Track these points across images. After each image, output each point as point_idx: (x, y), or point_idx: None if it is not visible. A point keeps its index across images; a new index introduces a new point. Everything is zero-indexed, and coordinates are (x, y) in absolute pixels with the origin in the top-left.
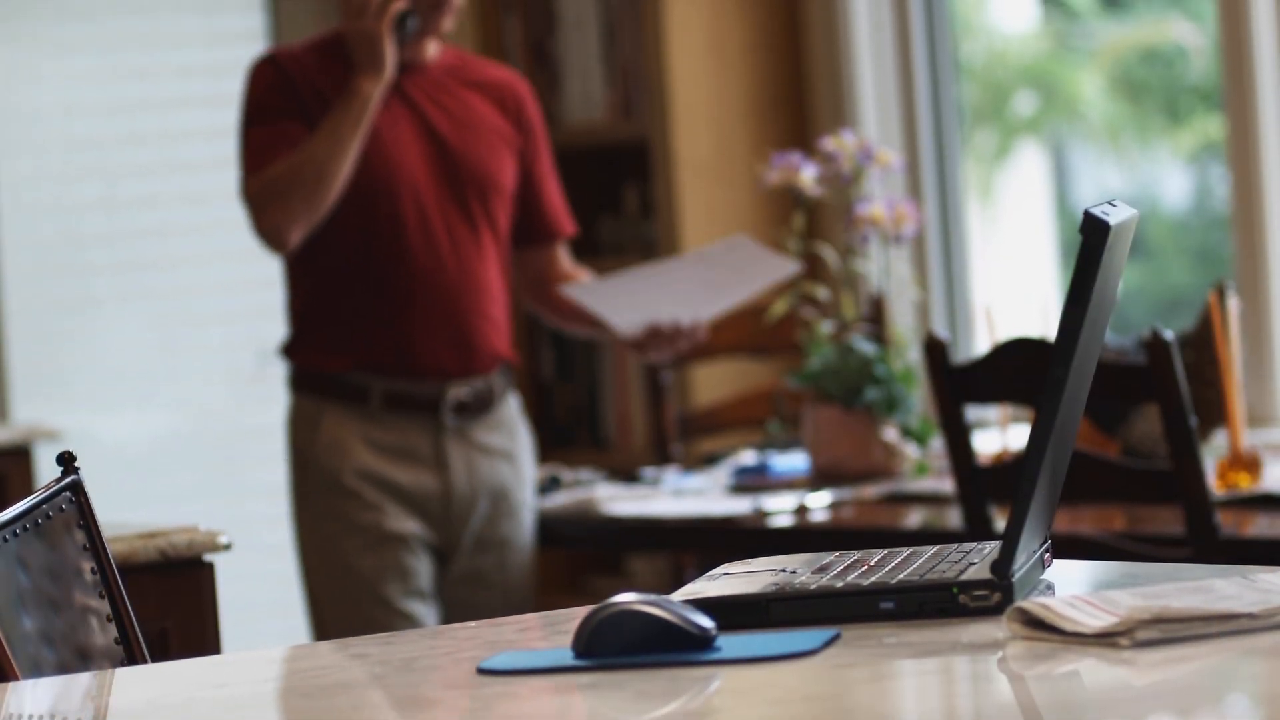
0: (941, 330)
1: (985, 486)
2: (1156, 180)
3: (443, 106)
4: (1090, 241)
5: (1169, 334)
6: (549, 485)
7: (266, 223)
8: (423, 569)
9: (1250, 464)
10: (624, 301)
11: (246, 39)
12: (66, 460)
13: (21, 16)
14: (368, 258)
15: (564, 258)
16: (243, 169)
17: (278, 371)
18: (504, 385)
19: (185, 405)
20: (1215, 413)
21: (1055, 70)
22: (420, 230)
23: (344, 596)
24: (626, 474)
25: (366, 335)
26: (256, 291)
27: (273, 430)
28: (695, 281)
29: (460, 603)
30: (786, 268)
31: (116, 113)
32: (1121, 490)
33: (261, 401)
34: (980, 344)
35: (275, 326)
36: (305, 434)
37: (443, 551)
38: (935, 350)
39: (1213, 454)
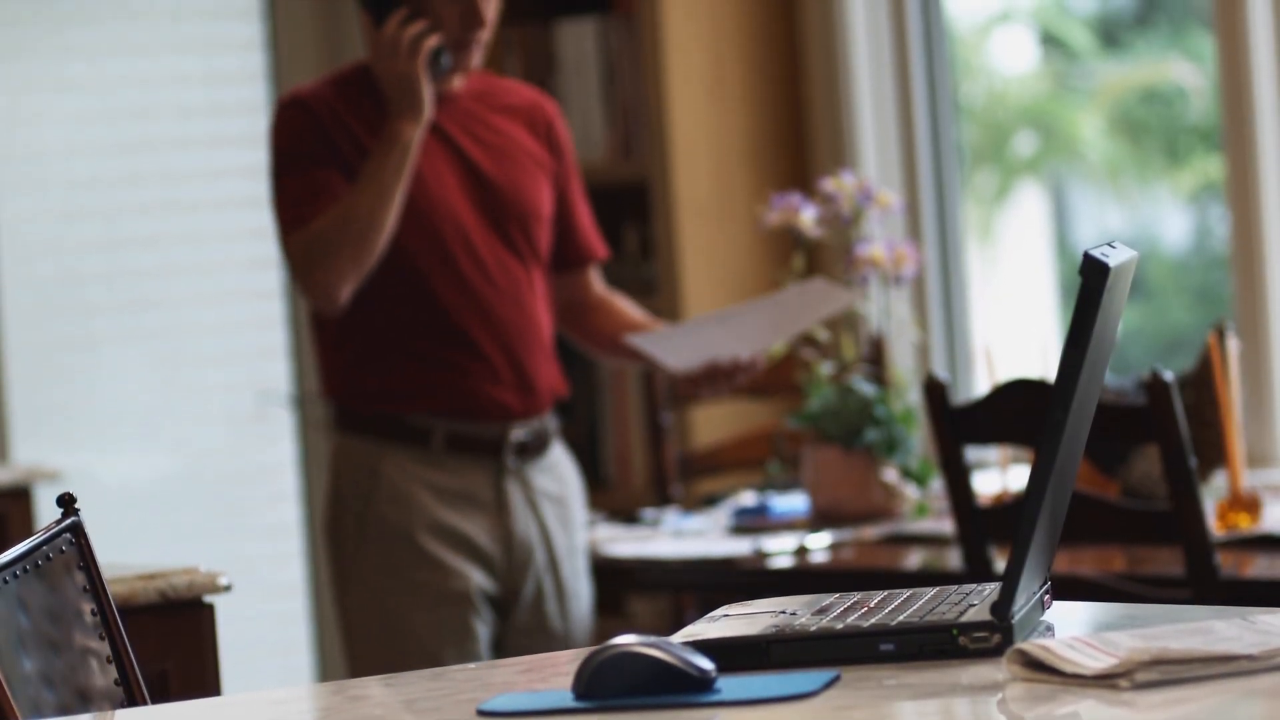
0: (941, 371)
1: (985, 527)
2: (1156, 220)
3: (476, 136)
4: (1090, 283)
5: (1169, 375)
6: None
7: (314, 281)
8: (483, 630)
9: (1250, 505)
10: (685, 345)
11: (246, 79)
12: (66, 502)
13: (23, 56)
14: (422, 300)
15: (597, 281)
16: (280, 224)
17: (278, 412)
18: (555, 426)
19: (185, 445)
20: (1215, 453)
21: (1055, 111)
22: (471, 266)
23: (394, 660)
24: (626, 515)
25: (426, 376)
26: (257, 332)
27: (273, 471)
28: (759, 320)
29: (524, 655)
30: (845, 298)
31: (117, 152)
32: (1121, 531)
33: (262, 442)
34: (980, 385)
35: (276, 367)
36: (359, 479)
37: (504, 603)
38: (935, 391)
39: (1212, 495)
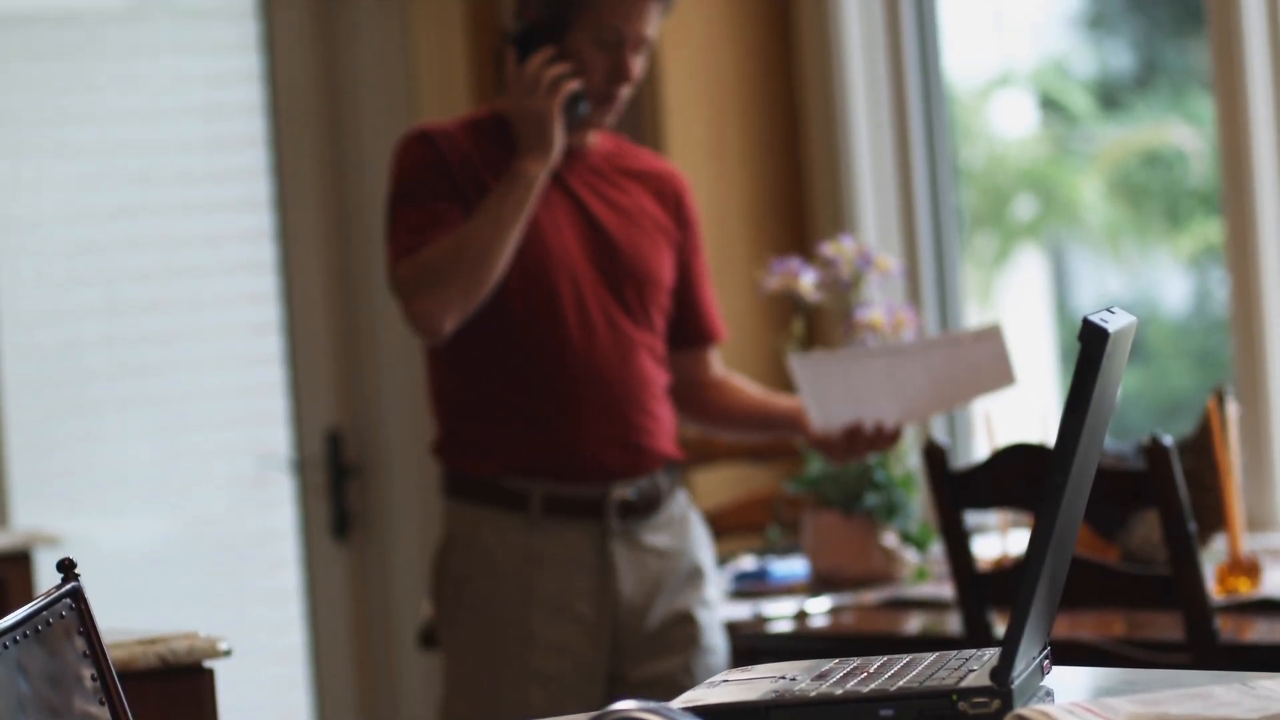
0: (941, 436)
1: (985, 592)
2: (1156, 284)
3: (602, 195)
4: (1089, 349)
5: (1168, 439)
6: None
7: (419, 308)
8: (575, 704)
9: (1250, 569)
10: (838, 386)
11: (246, 145)
12: (66, 567)
13: (23, 122)
14: (524, 350)
15: (716, 361)
16: (391, 250)
17: (278, 477)
18: (671, 482)
19: (186, 510)
20: (1215, 517)
21: (1054, 174)
22: (580, 322)
23: None
24: None
25: (524, 434)
26: (257, 397)
27: (273, 535)
28: (923, 373)
29: None
30: (1010, 381)
31: (117, 218)
32: (1121, 595)
33: (262, 507)
34: (980, 450)
35: (276, 432)
36: (459, 546)
37: (613, 667)
38: (934, 456)
39: (1212, 559)
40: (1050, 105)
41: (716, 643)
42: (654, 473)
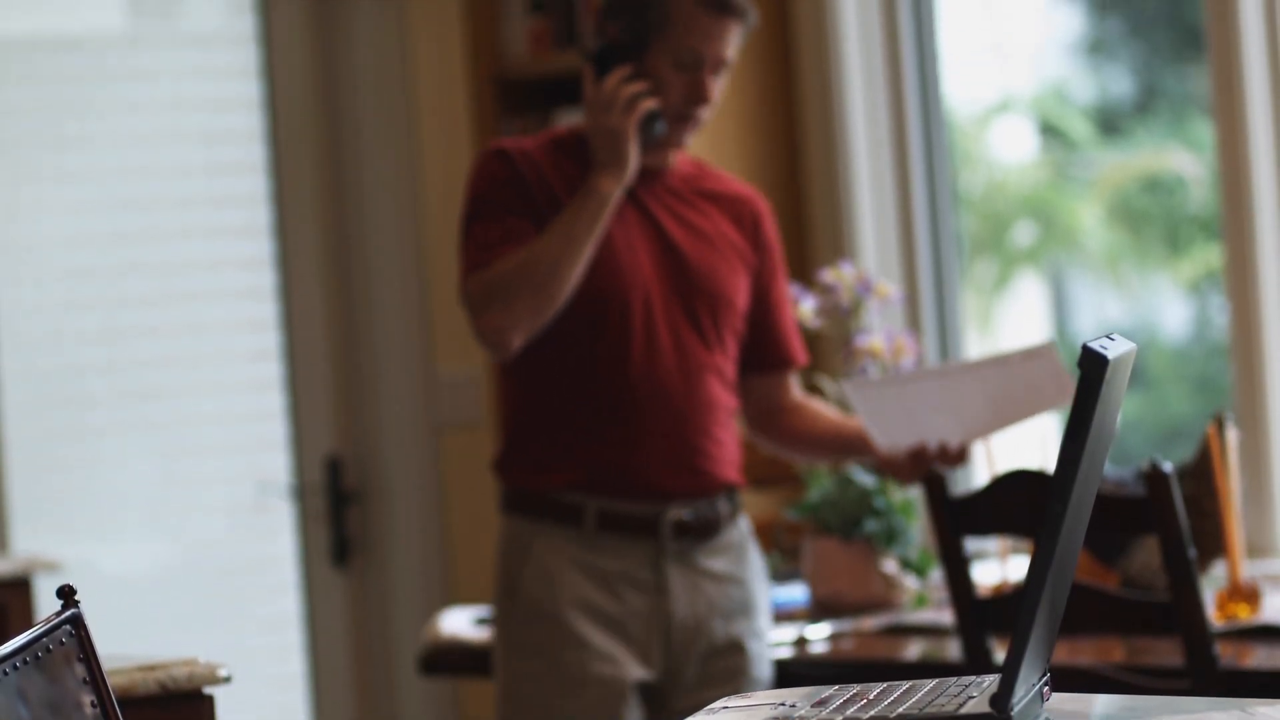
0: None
1: (985, 619)
2: (1156, 310)
3: (678, 216)
4: (1088, 376)
5: (1168, 466)
6: None
7: (488, 324)
8: (631, 716)
9: (1249, 595)
10: (896, 408)
11: (247, 170)
12: (67, 594)
13: (22, 147)
14: (589, 368)
15: (795, 386)
16: (463, 265)
17: (278, 503)
18: (731, 507)
19: (185, 536)
20: (1214, 544)
21: (1054, 200)
22: (646, 342)
23: None
24: None
25: (583, 451)
26: (257, 423)
27: (273, 561)
28: (979, 393)
29: None
30: (1067, 391)
31: (117, 243)
32: (1121, 622)
33: (262, 533)
34: (979, 476)
35: (276, 458)
36: (514, 559)
37: (661, 689)
38: (934, 482)
39: (1212, 585)
40: (1050, 131)
41: (764, 674)
42: (713, 497)
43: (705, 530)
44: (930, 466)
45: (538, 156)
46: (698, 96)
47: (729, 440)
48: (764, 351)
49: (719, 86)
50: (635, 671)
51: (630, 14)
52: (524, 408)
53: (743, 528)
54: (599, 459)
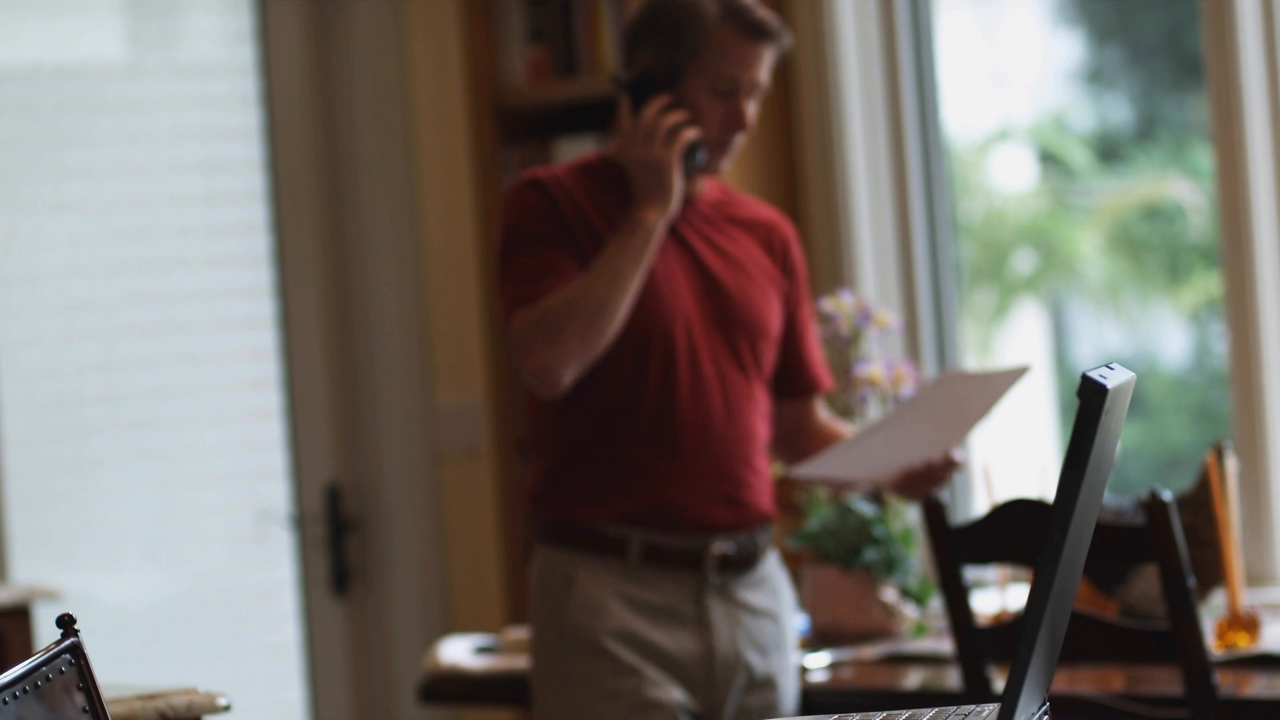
0: (940, 491)
1: (984, 647)
2: (1156, 337)
3: (713, 244)
4: (1087, 405)
5: (1167, 495)
6: None
7: (537, 362)
8: None
9: (1249, 624)
10: (862, 462)
11: (246, 200)
12: (66, 623)
13: (22, 177)
14: (634, 401)
15: (820, 411)
16: (506, 301)
17: (278, 532)
18: (767, 540)
19: (185, 566)
20: (1213, 572)
21: (1053, 228)
22: (691, 375)
23: None
24: None
25: (628, 484)
26: (256, 452)
27: (273, 590)
28: (924, 423)
29: None
30: (1017, 375)
31: (116, 273)
32: (1120, 650)
33: (261, 562)
34: (979, 504)
35: (275, 487)
36: (557, 591)
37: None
38: (934, 511)
39: (1211, 614)
40: (1049, 159)
41: (792, 709)
42: (754, 529)
43: (746, 563)
44: (933, 482)
45: (570, 185)
46: (736, 123)
47: (766, 470)
48: (791, 376)
49: (754, 110)
50: (684, 701)
51: (663, 42)
52: (564, 440)
53: (774, 560)
54: (643, 492)
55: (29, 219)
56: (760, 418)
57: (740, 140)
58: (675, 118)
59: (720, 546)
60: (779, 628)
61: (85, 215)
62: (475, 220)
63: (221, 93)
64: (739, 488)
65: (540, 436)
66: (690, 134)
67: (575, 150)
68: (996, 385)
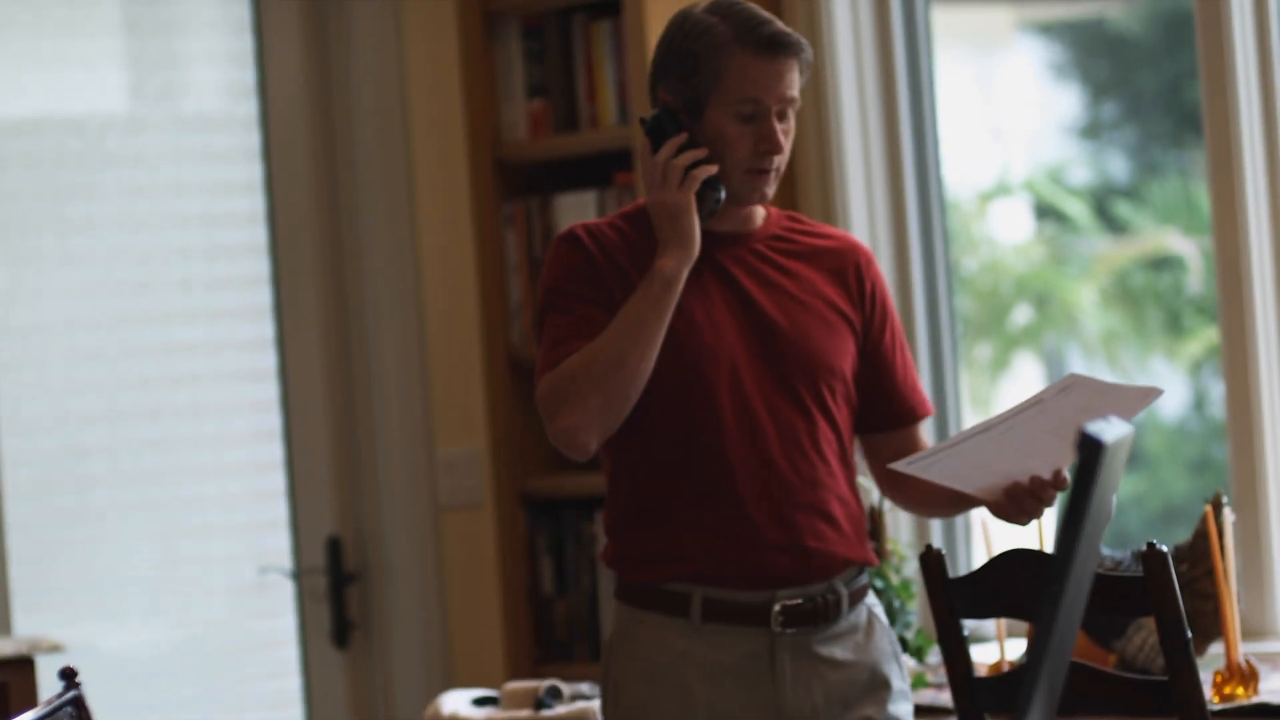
0: (938, 542)
1: (983, 699)
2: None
3: (765, 279)
4: (1086, 459)
5: (1165, 547)
6: (549, 697)
7: (559, 426)
8: None
9: (1247, 676)
10: (965, 466)
11: (247, 253)
12: (68, 676)
13: (24, 230)
14: (682, 455)
15: (924, 438)
16: (537, 367)
17: (279, 583)
18: (855, 587)
19: (187, 617)
20: (1212, 625)
21: (1052, 281)
22: (740, 421)
23: None
24: None
25: (685, 540)
26: (259, 504)
27: (274, 642)
28: (1042, 431)
29: None
30: (1150, 395)
31: (118, 325)
32: (1118, 702)
33: (263, 613)
34: (978, 556)
35: (278, 539)
36: (619, 650)
37: None
38: (932, 562)
39: (1209, 666)
40: (1047, 213)
41: None
42: (830, 578)
43: (821, 615)
44: (1036, 500)
45: (609, 236)
46: (767, 146)
47: (845, 516)
48: (884, 407)
49: (788, 130)
50: None
51: (681, 76)
52: (622, 496)
53: (867, 609)
54: (701, 548)
55: (31, 271)
56: (834, 458)
57: (779, 163)
58: (688, 157)
59: (787, 599)
60: (871, 676)
61: (87, 268)
62: (476, 273)
63: (223, 146)
64: (805, 536)
65: (608, 490)
66: (703, 172)
67: (576, 205)
68: (1128, 401)
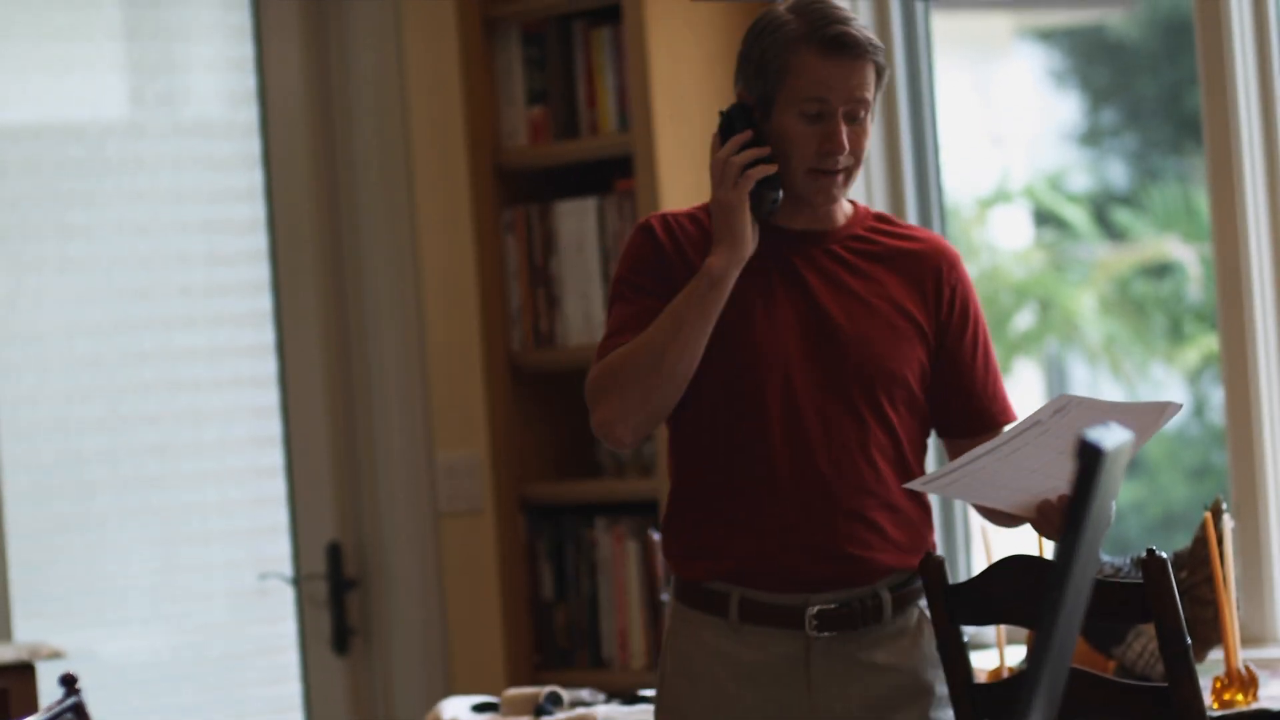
0: (938, 549)
1: (982, 706)
2: (1154, 396)
3: (836, 282)
4: (1085, 467)
5: (1164, 554)
6: (549, 703)
7: (597, 418)
8: None
9: (1246, 682)
10: (983, 485)
11: (248, 259)
12: (68, 682)
13: (25, 236)
14: (729, 453)
15: None
16: (596, 354)
17: (279, 589)
18: (901, 594)
19: (188, 623)
20: (1211, 631)
21: (1052, 287)
22: (786, 423)
23: None
24: (627, 694)
25: (725, 540)
26: (258, 510)
27: (274, 648)
28: (1049, 450)
29: None
30: (1165, 410)
31: (119, 331)
32: (1118, 708)
33: (263, 619)
34: (977, 562)
35: (278, 545)
36: (666, 647)
37: None
38: (932, 569)
39: (1209, 672)
40: (1047, 219)
41: None
42: (872, 584)
43: (859, 620)
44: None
45: (687, 226)
46: (830, 147)
47: (894, 522)
48: (963, 412)
49: (860, 133)
50: None
51: (754, 72)
52: (674, 494)
53: (914, 615)
54: (740, 548)
55: (32, 277)
56: (886, 465)
57: (845, 164)
58: (747, 156)
59: (824, 603)
60: (913, 681)
61: (87, 274)
62: (476, 279)
63: (223, 152)
64: (846, 541)
65: (670, 483)
66: (759, 172)
67: (576, 211)
68: (1145, 418)
